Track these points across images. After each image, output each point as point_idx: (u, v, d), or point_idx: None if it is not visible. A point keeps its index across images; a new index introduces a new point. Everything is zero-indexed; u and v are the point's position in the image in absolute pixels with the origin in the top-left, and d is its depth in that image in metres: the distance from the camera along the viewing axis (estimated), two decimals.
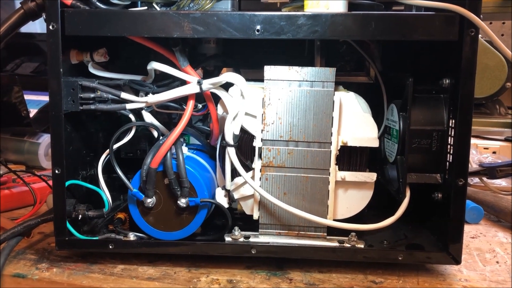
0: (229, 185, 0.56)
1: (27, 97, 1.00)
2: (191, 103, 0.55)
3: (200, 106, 0.59)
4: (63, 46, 0.51)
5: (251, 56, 0.71)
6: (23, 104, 0.96)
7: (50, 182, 0.77)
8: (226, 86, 0.56)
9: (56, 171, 0.53)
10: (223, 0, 0.58)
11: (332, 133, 0.54)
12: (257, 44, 0.69)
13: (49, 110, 0.53)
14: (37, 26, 1.21)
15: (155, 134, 0.59)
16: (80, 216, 0.55)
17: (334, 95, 0.53)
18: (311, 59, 0.68)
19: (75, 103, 0.54)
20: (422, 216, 0.62)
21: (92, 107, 0.54)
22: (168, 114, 0.64)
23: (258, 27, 0.50)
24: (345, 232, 0.55)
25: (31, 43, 1.23)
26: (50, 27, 0.51)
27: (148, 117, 0.59)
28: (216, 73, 0.71)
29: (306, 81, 0.53)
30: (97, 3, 0.52)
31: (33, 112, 1.01)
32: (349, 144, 0.54)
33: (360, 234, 0.55)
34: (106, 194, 0.56)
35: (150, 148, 0.68)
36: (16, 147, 0.98)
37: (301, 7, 0.59)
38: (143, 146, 0.69)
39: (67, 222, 0.53)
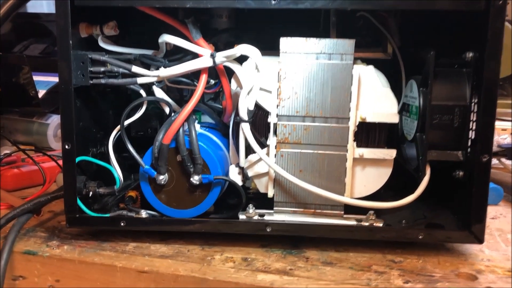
0: (243, 162, 0.55)
1: (35, 78, 0.99)
2: (203, 78, 0.53)
3: (212, 82, 0.57)
4: (72, 19, 0.50)
5: (264, 31, 0.69)
6: (32, 85, 0.95)
7: (60, 162, 0.76)
8: (240, 60, 0.54)
9: (66, 146, 0.51)
10: None
11: (350, 108, 0.52)
12: (270, 18, 0.67)
13: (59, 84, 0.52)
14: (44, 7, 1.20)
15: (167, 110, 0.57)
16: (90, 193, 0.54)
17: (353, 68, 0.51)
18: (326, 34, 0.66)
19: (85, 77, 0.52)
20: (442, 196, 0.60)
21: (102, 81, 0.53)
22: (179, 92, 0.63)
23: None
24: (363, 211, 0.53)
25: (38, 24, 1.22)
26: None
27: (159, 93, 0.58)
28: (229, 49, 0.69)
29: (324, 53, 0.51)
30: None
31: (41, 93, 1.00)
32: (368, 120, 0.52)
33: (377, 213, 0.53)
34: (117, 171, 0.55)
35: (161, 126, 0.68)
36: (25, 128, 0.97)
37: None
38: (154, 124, 0.67)
39: (77, 198, 0.52)
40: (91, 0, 0.49)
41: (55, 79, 1.05)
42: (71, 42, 0.50)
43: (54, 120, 0.96)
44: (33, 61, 1.10)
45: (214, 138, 0.59)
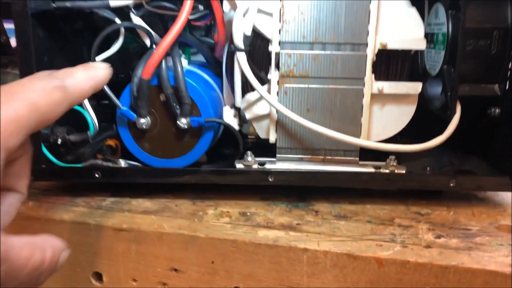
0: (239, 101, 0.46)
1: (8, 25, 0.89)
2: (188, 4, 0.44)
3: (201, 8, 0.48)
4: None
5: None
6: (3, 32, 0.85)
7: None
8: None
9: None
10: None
11: (368, 32, 0.43)
12: None
13: (12, 10, 0.43)
14: None
15: (147, 42, 0.48)
16: (59, 140, 0.46)
17: None
18: None
19: (46, 0, 0.43)
20: (471, 140, 0.52)
21: (68, 4, 0.43)
22: (164, 25, 0.53)
23: None
24: (381, 157, 0.45)
25: None
26: None
27: (137, 21, 0.48)
28: None
29: None
30: None
31: (14, 41, 0.90)
32: (389, 47, 0.43)
33: (398, 160, 0.45)
34: (90, 114, 0.46)
35: None
36: None
37: None
38: (136, 66, 0.58)
39: (42, 146, 0.44)
40: None
41: None
42: None
43: None
44: (4, 7, 0.99)
45: (206, 76, 0.50)
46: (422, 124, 0.49)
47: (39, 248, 0.26)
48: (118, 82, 0.57)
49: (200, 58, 0.56)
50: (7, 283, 0.24)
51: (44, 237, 0.27)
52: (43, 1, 0.43)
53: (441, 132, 0.45)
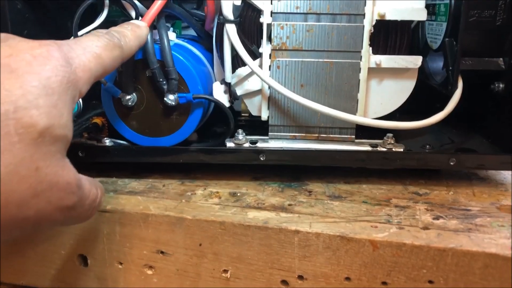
0: (229, 77, 0.44)
1: None
2: None
3: None
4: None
5: None
6: None
7: None
8: None
9: None
10: None
11: (366, 1, 0.40)
12: None
13: None
14: None
15: (133, 14, 0.45)
16: None
17: None
18: None
19: None
20: (471, 117, 0.50)
21: None
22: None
23: None
24: (378, 135, 0.43)
25: None
26: None
27: None
28: None
29: None
30: None
31: None
32: (387, 17, 0.41)
33: (396, 138, 0.43)
34: None
35: None
36: None
37: None
38: None
39: None
40: None
41: None
42: None
43: None
44: None
45: (195, 51, 0.48)
46: (422, 100, 0.47)
47: (94, 185, 0.30)
48: None
49: (192, 33, 0.54)
50: (76, 208, 0.28)
51: (94, 179, 0.31)
52: None
53: (441, 108, 0.43)
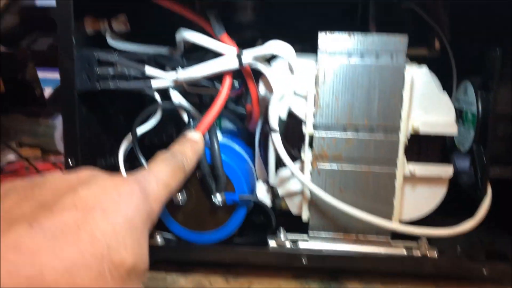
0: (273, 179, 0.47)
1: (42, 74, 0.92)
2: (227, 81, 0.46)
3: (236, 83, 0.49)
4: (75, 12, 0.43)
5: (292, 26, 0.61)
6: (37, 82, 0.89)
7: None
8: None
9: (70, 162, 0.44)
10: None
11: (401, 117, 0.44)
12: (299, 12, 0.59)
13: (60, 89, 0.45)
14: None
15: (185, 118, 0.50)
16: None
17: (405, 69, 0.43)
18: (365, 29, 0.58)
19: (91, 81, 0.45)
20: (499, 215, 0.52)
21: (112, 85, 0.45)
22: (198, 94, 0.55)
23: None
24: (413, 236, 0.46)
25: (47, 17, 1.15)
26: None
27: (176, 97, 0.50)
28: (253, 45, 0.61)
29: (371, 51, 0.43)
30: None
31: (48, 91, 0.93)
32: (421, 131, 0.44)
33: (429, 238, 0.46)
34: None
35: (177, 133, 0.61)
36: (31, 129, 0.90)
37: None
38: (169, 131, 0.60)
39: None
40: None
41: None
42: (74, 39, 0.43)
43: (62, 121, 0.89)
44: (39, 56, 1.03)
45: (238, 148, 0.52)
46: (450, 193, 0.49)
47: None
48: (151, 147, 0.60)
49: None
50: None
51: None
52: (88, 82, 0.45)
53: (470, 206, 0.46)
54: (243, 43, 0.55)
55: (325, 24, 0.59)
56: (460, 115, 0.52)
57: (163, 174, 0.33)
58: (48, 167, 0.71)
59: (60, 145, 0.90)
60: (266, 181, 0.49)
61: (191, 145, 0.40)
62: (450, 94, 0.53)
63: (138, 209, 0.28)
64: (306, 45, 0.63)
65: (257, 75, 0.47)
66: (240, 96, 0.56)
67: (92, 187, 0.28)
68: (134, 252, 0.27)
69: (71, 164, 0.45)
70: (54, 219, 0.25)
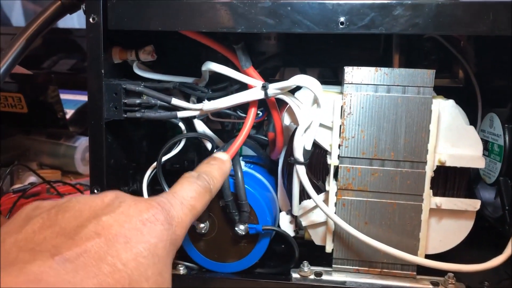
0: (296, 210, 0.47)
1: (64, 96, 0.94)
2: (252, 112, 0.46)
3: (260, 114, 0.50)
4: (104, 43, 0.43)
5: (313, 54, 0.61)
6: (59, 105, 0.90)
7: (87, 193, 0.70)
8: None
9: (95, 191, 0.45)
10: None
11: (428, 150, 0.43)
12: (320, 39, 0.60)
13: (88, 118, 0.46)
14: (75, 21, 1.16)
15: (209, 146, 0.50)
16: None
17: (432, 103, 0.43)
18: (387, 56, 0.58)
19: (118, 110, 0.46)
20: None
21: (138, 115, 0.46)
22: (221, 121, 0.56)
23: (342, 19, 0.40)
24: (439, 271, 0.45)
25: (68, 39, 1.18)
26: (91, 19, 0.43)
27: (200, 126, 0.51)
28: (273, 73, 0.62)
29: (398, 85, 0.43)
30: None
31: (70, 112, 0.95)
32: (447, 164, 0.44)
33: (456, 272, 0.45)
34: None
35: (198, 158, 0.61)
36: (52, 150, 0.92)
37: None
38: (191, 156, 0.61)
39: None
40: (128, 24, 0.42)
41: (83, 97, 1.00)
42: (103, 71, 0.43)
43: (82, 143, 0.91)
44: (61, 78, 1.06)
45: (260, 177, 0.52)
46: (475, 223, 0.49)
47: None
48: (173, 171, 0.60)
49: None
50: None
51: None
52: (115, 112, 0.45)
53: (495, 236, 0.45)
54: (264, 70, 0.56)
55: (345, 54, 0.60)
56: (485, 147, 0.52)
57: (188, 196, 0.32)
58: (69, 189, 0.72)
59: (80, 167, 0.91)
60: (289, 211, 0.48)
61: (218, 166, 0.39)
62: (473, 124, 0.53)
63: (162, 238, 0.28)
64: (326, 72, 0.64)
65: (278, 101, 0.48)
66: (261, 123, 0.56)
67: (116, 214, 0.27)
68: (156, 283, 0.27)
69: (96, 192, 0.45)
70: (76, 249, 0.25)
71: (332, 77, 0.62)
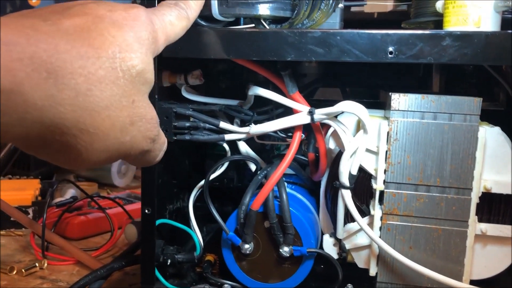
0: (341, 234, 0.48)
1: None
2: (298, 136, 0.47)
3: (303, 136, 0.51)
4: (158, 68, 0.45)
5: (352, 76, 0.62)
6: None
7: (127, 207, 0.72)
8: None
9: (146, 211, 0.46)
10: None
11: (474, 177, 0.44)
12: (360, 67, 0.61)
13: None
14: None
15: (252, 168, 0.51)
16: (169, 260, 0.48)
17: (478, 130, 0.43)
18: (427, 79, 0.59)
19: (169, 133, 0.47)
20: None
21: (187, 137, 0.48)
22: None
23: (391, 48, 0.41)
24: None
25: None
26: None
27: (243, 146, 0.52)
28: (312, 95, 0.63)
29: (444, 113, 0.44)
30: (199, 20, 0.45)
31: None
32: (493, 191, 0.44)
33: None
34: (198, 236, 0.49)
35: (237, 176, 0.62)
36: None
37: (430, 23, 0.50)
38: (230, 175, 0.62)
39: (155, 269, 0.47)
40: (183, 52, 0.44)
41: None
42: (157, 96, 0.45)
43: None
44: None
45: (303, 199, 0.53)
46: None
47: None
48: (212, 189, 0.62)
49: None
50: (155, 141, 0.34)
51: None
52: (166, 134, 0.46)
53: None
54: (303, 89, 0.57)
55: (385, 77, 0.60)
56: None
57: (167, 14, 0.35)
58: (109, 203, 0.74)
59: (116, 179, 0.93)
60: (332, 234, 0.49)
61: None
62: None
63: (144, 28, 0.31)
64: (361, 91, 0.65)
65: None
66: (300, 143, 0.57)
67: (102, 3, 0.30)
68: (142, 60, 0.29)
69: (147, 213, 0.47)
70: (65, 20, 0.27)
71: (367, 96, 0.62)
